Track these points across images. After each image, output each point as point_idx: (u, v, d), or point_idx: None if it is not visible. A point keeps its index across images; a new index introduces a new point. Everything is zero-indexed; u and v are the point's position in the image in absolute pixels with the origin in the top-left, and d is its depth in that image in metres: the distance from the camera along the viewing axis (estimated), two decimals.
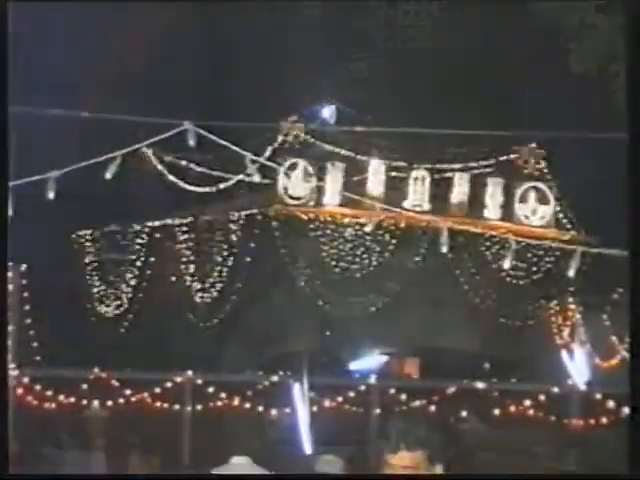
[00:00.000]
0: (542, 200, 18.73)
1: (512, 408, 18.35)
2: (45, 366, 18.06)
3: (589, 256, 10.71)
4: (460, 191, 18.47)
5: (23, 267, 17.80)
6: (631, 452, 4.81)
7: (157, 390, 18.09)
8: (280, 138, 17.64)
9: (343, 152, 18.17)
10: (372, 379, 18.87)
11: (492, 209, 18.58)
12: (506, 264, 10.15)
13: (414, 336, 22.00)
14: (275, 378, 18.18)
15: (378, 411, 18.18)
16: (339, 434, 15.77)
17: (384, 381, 19.26)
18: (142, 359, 17.98)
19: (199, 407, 18.17)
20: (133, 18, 16.56)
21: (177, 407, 18.20)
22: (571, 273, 9.20)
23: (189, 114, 8.42)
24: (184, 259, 19.94)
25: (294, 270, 19.53)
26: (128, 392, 18.02)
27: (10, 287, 16.72)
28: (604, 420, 17.79)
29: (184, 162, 17.22)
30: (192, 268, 19.94)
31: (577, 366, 18.97)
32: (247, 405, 18.23)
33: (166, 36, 17.74)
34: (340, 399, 18.52)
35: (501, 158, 18.69)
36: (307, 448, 14.36)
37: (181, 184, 17.17)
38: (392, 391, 18.58)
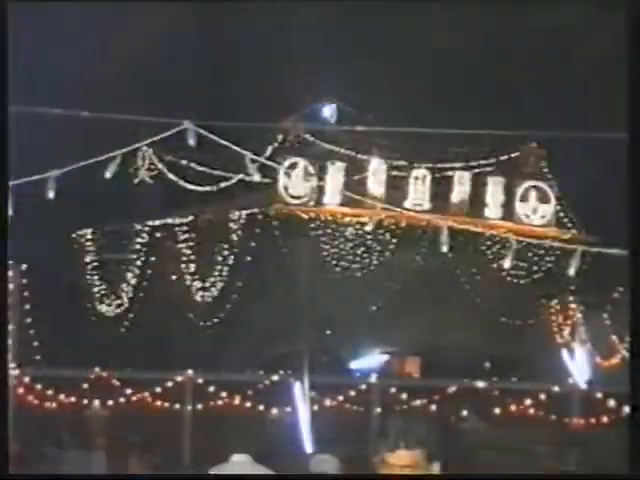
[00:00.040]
0: (543, 199, 18.75)
1: (513, 407, 18.35)
2: (46, 365, 18.06)
3: (589, 255, 10.70)
4: (461, 190, 18.48)
5: (24, 266, 17.80)
6: (631, 452, 4.81)
7: (158, 389, 18.08)
8: (280, 137, 17.65)
9: (343, 151, 18.19)
10: (373, 378, 18.87)
11: (493, 208, 18.59)
12: (506, 264, 10.13)
13: (415, 335, 21.99)
14: (276, 377, 18.18)
15: (379, 410, 18.18)
16: (340, 433, 15.76)
17: (385, 380, 19.26)
18: (143, 358, 17.98)
19: (200, 406, 18.17)
20: (133, 18, 16.54)
21: (178, 406, 18.19)
22: (571, 272, 9.19)
23: (189, 114, 8.41)
24: (184, 258, 19.95)
25: (294, 269, 19.53)
26: (129, 391, 18.01)
27: (11, 286, 16.71)
28: (605, 419, 17.78)
29: (184, 161, 17.23)
30: (193, 267, 19.94)
31: (578, 365, 18.98)
32: (248, 404, 18.22)
33: (166, 36, 17.73)
34: (341, 398, 18.52)
35: (502, 157, 18.70)
36: (308, 447, 14.36)
37: (181, 183, 17.19)
38: (393, 390, 18.58)
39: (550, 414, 18.34)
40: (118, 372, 18.03)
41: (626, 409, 15.06)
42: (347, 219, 18.97)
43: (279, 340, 21.13)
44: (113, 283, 20.40)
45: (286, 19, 18.54)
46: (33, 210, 10.89)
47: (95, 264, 20.61)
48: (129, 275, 20.26)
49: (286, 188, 17.59)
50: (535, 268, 19.52)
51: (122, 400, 17.94)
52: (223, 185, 16.99)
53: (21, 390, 17.42)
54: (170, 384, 18.06)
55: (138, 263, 20.20)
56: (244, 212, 19.23)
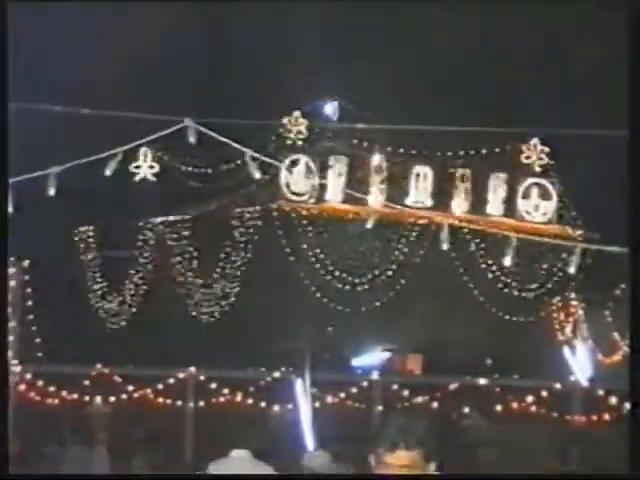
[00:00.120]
0: (544, 196, 18.73)
1: (514, 404, 18.36)
2: (47, 362, 18.08)
3: (591, 252, 10.70)
4: (462, 187, 18.46)
5: (25, 263, 17.83)
6: (631, 450, 4.81)
7: (160, 386, 18.12)
8: (282, 134, 17.63)
9: (345, 149, 18.16)
10: (374, 375, 18.89)
11: (494, 205, 18.57)
12: (507, 261, 10.13)
13: (416, 332, 22.00)
14: (277, 374, 18.19)
15: (380, 407, 18.19)
16: (341, 430, 15.78)
17: (386, 377, 19.28)
18: (144, 355, 17.99)
19: (202, 403, 18.20)
20: (133, 18, 16.53)
21: (180, 403, 18.23)
22: (572, 270, 9.19)
23: (189, 113, 8.42)
24: (186, 255, 19.95)
25: (296, 266, 19.53)
26: (131, 388, 18.05)
27: (12, 283, 16.77)
28: (606, 416, 17.79)
29: (186, 159, 17.22)
30: (194, 264, 19.95)
31: (579, 362, 18.97)
32: (250, 401, 18.25)
33: (166, 36, 17.71)
34: (342, 395, 18.54)
35: (503, 155, 18.68)
36: (309, 444, 14.37)
37: (183, 181, 17.18)
38: (394, 387, 18.59)
39: (552, 411, 18.36)
40: (120, 369, 18.07)
41: (627, 406, 15.07)
42: (349, 216, 18.96)
43: (281, 337, 21.15)
44: (115, 280, 20.39)
45: (286, 19, 18.51)
46: (35, 206, 10.90)
47: (97, 261, 20.61)
48: (131, 272, 20.26)
49: (288, 185, 17.57)
50: (536, 265, 19.50)
51: (124, 397, 17.97)
52: (224, 183, 16.98)
53: (23, 387, 17.46)
54: (172, 381, 18.10)
55: (140, 260, 20.21)
56: (245, 209, 19.23)
